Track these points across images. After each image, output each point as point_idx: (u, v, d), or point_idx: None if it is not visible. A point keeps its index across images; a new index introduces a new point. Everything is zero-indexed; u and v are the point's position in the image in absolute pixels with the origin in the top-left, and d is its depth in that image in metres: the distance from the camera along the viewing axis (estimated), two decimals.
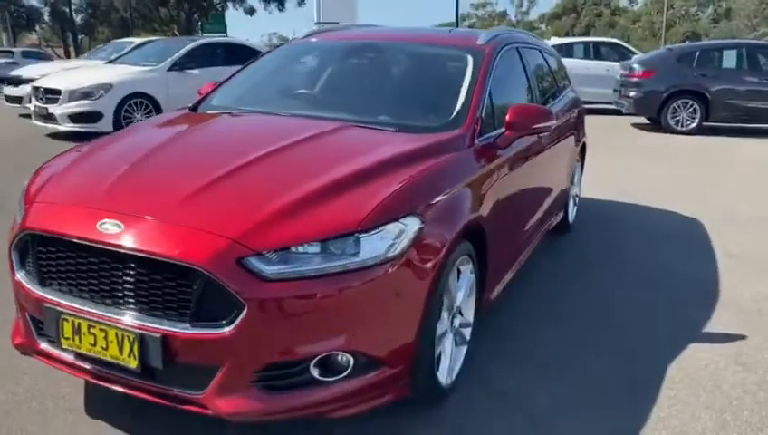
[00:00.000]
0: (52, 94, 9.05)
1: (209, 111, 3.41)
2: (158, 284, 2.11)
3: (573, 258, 4.65)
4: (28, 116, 10.07)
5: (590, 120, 12.84)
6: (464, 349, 2.87)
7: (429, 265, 2.36)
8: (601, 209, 6.04)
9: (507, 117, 3.13)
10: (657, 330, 3.47)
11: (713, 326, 3.54)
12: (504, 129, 3.18)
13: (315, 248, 2.14)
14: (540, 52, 4.63)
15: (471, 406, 2.68)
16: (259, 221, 2.14)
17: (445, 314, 2.62)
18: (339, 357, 2.19)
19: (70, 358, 2.33)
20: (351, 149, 2.72)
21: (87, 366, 2.29)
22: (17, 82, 11.66)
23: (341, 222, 2.18)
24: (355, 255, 2.16)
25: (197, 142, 2.94)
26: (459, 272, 2.74)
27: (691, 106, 11.49)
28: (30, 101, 9.74)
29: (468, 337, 2.91)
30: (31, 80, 10.33)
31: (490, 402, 2.71)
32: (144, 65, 9.87)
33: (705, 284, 4.18)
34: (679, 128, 11.55)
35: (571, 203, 5.24)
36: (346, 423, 2.45)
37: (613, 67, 13.59)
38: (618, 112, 13.40)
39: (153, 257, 2.08)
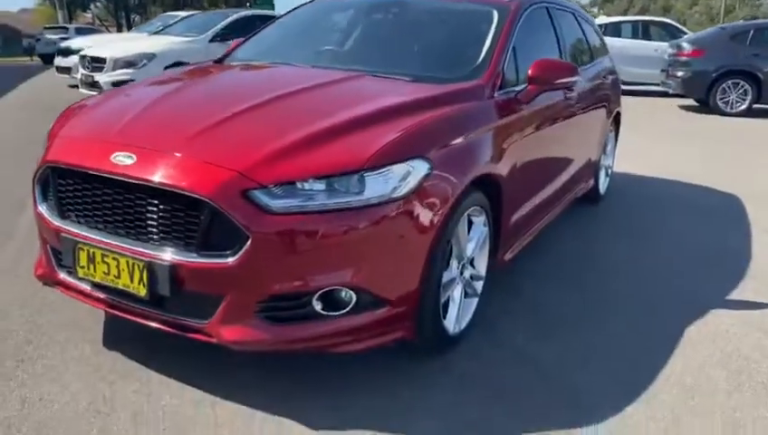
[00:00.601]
0: (97, 63, 9.29)
1: (233, 63, 3.46)
2: (168, 214, 2.16)
3: (599, 226, 4.56)
4: (77, 86, 10.37)
5: (635, 101, 12.68)
6: (474, 301, 2.86)
7: (436, 209, 2.35)
8: (637, 184, 5.89)
9: (530, 71, 3.08)
10: (679, 296, 3.39)
11: (738, 295, 3.44)
12: (526, 84, 3.14)
13: (320, 185, 2.16)
14: (573, 16, 4.53)
15: (480, 356, 2.68)
16: (265, 156, 2.17)
17: (454, 263, 2.62)
18: (342, 293, 2.21)
19: (86, 288, 2.41)
20: (364, 95, 2.72)
21: (101, 295, 2.38)
22: (67, 52, 12.01)
23: (347, 160, 2.20)
24: (359, 193, 2.17)
25: (214, 87, 3.00)
26: (471, 223, 2.74)
27: (742, 87, 11.06)
28: (78, 71, 10.02)
29: (480, 290, 2.90)
30: (79, 50, 10.61)
31: (499, 354, 2.71)
32: (187, 36, 10.05)
33: (734, 255, 4.05)
34: (728, 109, 11.15)
35: (602, 174, 5.14)
36: (353, 363, 2.49)
37: (662, 47, 13.17)
38: (665, 94, 13.03)
39: (163, 188, 2.14)
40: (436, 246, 2.39)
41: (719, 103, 11.21)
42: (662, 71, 12.40)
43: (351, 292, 2.21)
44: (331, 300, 2.21)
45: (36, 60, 28.01)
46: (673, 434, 2.22)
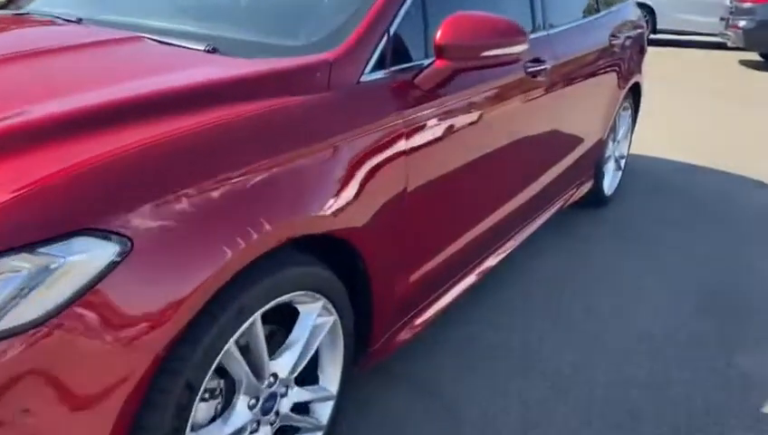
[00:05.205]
0: None
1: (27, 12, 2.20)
2: None
3: (596, 250, 3.24)
4: None
5: (689, 55, 10.83)
6: None
7: (145, 327, 1.13)
8: (667, 174, 4.47)
9: (437, 35, 1.77)
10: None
11: None
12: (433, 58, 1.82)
13: None
14: None
15: None
16: None
17: (241, 403, 1.42)
18: None
19: None
20: (85, 81, 1.45)
21: None
22: None
23: None
24: None
25: None
26: (299, 313, 1.53)
27: None
28: None
29: (326, 420, 1.70)
30: None
31: None
32: None
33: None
34: None
35: (610, 167, 3.77)
36: None
37: None
38: (723, 46, 11.15)
39: None
40: (168, 388, 1.19)
41: None
42: (721, 19, 10.54)
43: None
44: None
45: None
46: None
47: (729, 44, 10.29)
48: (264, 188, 1.34)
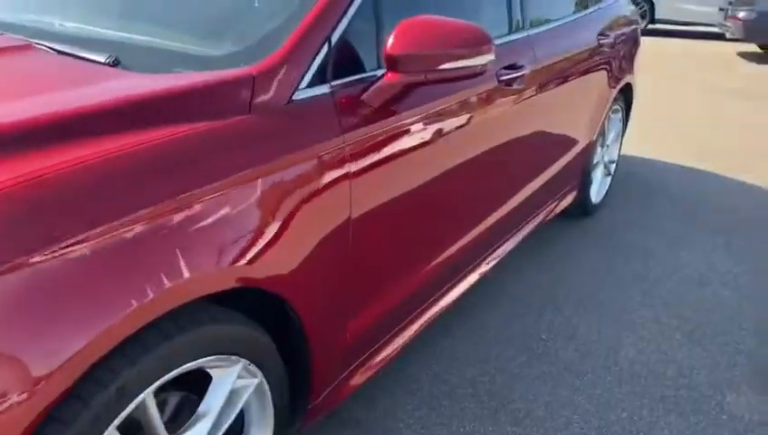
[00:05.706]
0: None
1: None
2: None
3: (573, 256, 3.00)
4: None
5: (685, 46, 10.54)
6: None
7: None
8: (658, 176, 4.23)
9: (388, 43, 1.51)
10: None
11: None
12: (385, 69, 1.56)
13: None
14: None
15: None
16: None
17: None
18: None
19: None
20: None
21: None
22: None
23: None
24: None
25: None
26: (211, 378, 1.30)
27: None
28: None
29: None
30: None
31: None
32: None
33: None
34: None
35: (598, 174, 3.53)
36: None
37: None
38: (721, 37, 10.87)
39: None
40: None
41: None
42: (720, 9, 10.27)
43: None
44: None
45: None
46: None
47: (728, 36, 10.02)
48: (159, 238, 1.09)
